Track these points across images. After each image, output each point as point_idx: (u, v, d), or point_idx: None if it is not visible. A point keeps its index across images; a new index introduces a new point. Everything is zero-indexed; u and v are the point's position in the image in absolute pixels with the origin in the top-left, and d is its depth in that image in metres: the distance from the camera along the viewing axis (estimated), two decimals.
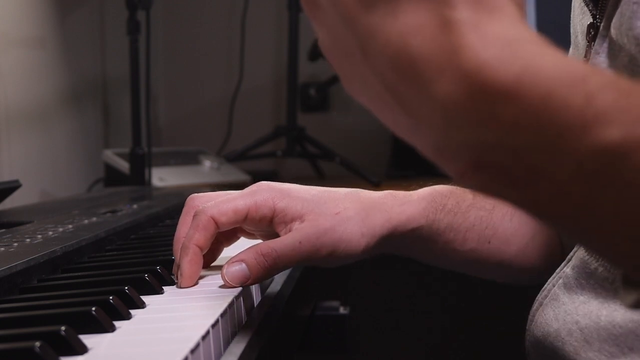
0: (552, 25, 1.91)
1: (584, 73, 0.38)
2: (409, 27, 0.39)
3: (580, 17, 0.75)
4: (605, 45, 0.67)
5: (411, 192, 0.78)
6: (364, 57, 0.41)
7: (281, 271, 0.68)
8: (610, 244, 0.40)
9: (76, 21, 1.95)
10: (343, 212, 0.70)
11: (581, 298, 0.68)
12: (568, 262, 0.72)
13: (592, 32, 0.69)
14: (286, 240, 0.67)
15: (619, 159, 0.36)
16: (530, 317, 0.76)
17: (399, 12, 0.39)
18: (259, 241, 0.71)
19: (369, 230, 0.71)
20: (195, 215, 0.68)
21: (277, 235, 0.70)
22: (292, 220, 0.69)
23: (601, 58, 0.67)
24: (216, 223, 0.67)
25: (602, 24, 0.67)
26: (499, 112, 0.38)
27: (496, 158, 0.39)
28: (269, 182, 0.72)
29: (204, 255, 0.71)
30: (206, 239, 0.67)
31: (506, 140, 0.38)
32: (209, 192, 0.74)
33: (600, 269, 0.66)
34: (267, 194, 0.70)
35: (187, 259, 0.67)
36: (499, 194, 0.41)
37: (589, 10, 0.70)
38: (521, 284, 0.86)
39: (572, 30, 0.78)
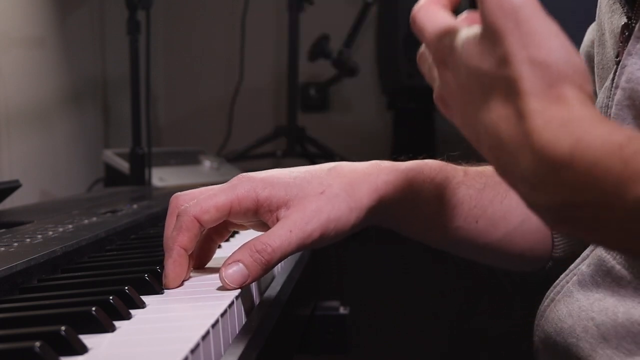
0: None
1: (621, 142, 0.48)
2: (498, 117, 0.53)
3: (609, 15, 0.74)
4: (639, 47, 0.66)
5: (399, 162, 0.76)
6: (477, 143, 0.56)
7: (278, 263, 0.68)
8: None
9: (76, 21, 1.95)
10: (328, 190, 0.69)
11: (596, 295, 0.68)
12: (584, 260, 0.71)
13: (627, 33, 0.69)
14: (277, 232, 0.66)
15: None
16: (539, 312, 0.75)
17: (490, 106, 0.53)
18: (255, 233, 0.71)
19: (357, 204, 0.70)
20: (177, 216, 0.67)
21: (266, 224, 0.69)
22: (278, 207, 0.68)
23: (633, 59, 0.67)
24: (199, 222, 0.67)
25: (637, 25, 0.67)
26: (562, 178, 0.50)
27: (570, 213, 0.51)
28: (249, 173, 0.70)
29: (198, 256, 0.71)
30: (190, 240, 0.67)
31: (572, 199, 0.50)
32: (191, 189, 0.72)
33: (618, 267, 0.66)
34: (248, 185, 0.68)
35: (171, 260, 0.66)
36: (582, 238, 0.56)
37: (624, 11, 0.70)
38: (507, 269, 0.85)
39: (596, 27, 0.78)
